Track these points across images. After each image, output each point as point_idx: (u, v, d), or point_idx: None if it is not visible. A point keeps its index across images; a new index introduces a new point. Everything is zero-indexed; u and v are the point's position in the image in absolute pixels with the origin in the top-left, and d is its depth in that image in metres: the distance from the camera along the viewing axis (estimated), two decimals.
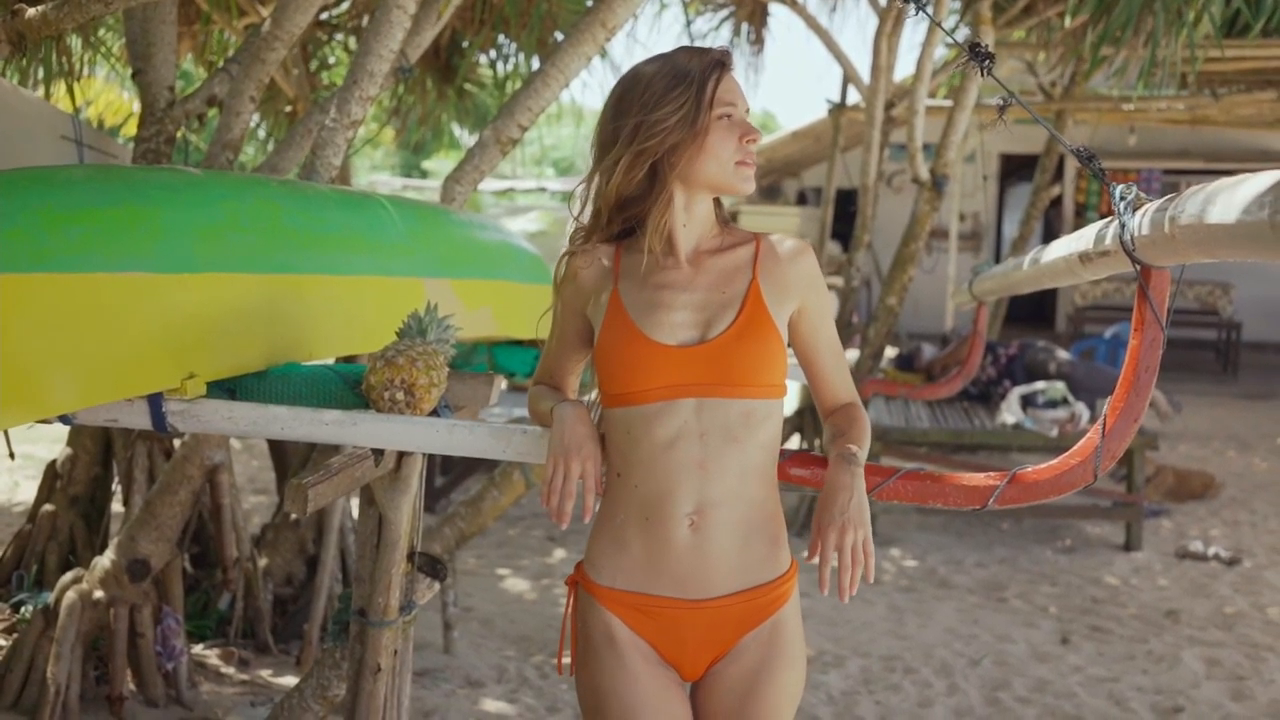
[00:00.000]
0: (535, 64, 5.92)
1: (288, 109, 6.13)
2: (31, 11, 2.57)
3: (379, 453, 2.05)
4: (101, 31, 5.01)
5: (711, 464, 1.67)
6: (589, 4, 4.02)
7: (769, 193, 14.71)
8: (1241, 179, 1.19)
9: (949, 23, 6.37)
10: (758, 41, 8.29)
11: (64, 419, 2.05)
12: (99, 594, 3.41)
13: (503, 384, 2.42)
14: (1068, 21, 6.06)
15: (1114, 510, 5.90)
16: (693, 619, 1.72)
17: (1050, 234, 12.96)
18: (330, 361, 2.50)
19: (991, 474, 1.79)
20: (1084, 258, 1.81)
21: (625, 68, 1.78)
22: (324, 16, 5.63)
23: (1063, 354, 6.64)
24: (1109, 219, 1.65)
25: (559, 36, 5.49)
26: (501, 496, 3.75)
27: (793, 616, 1.77)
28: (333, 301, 2.45)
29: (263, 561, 4.17)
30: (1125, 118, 9.12)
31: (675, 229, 1.74)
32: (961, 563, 5.57)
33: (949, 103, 6.70)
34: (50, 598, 3.48)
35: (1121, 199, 1.55)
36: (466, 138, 8.27)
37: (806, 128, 12.60)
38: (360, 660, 2.24)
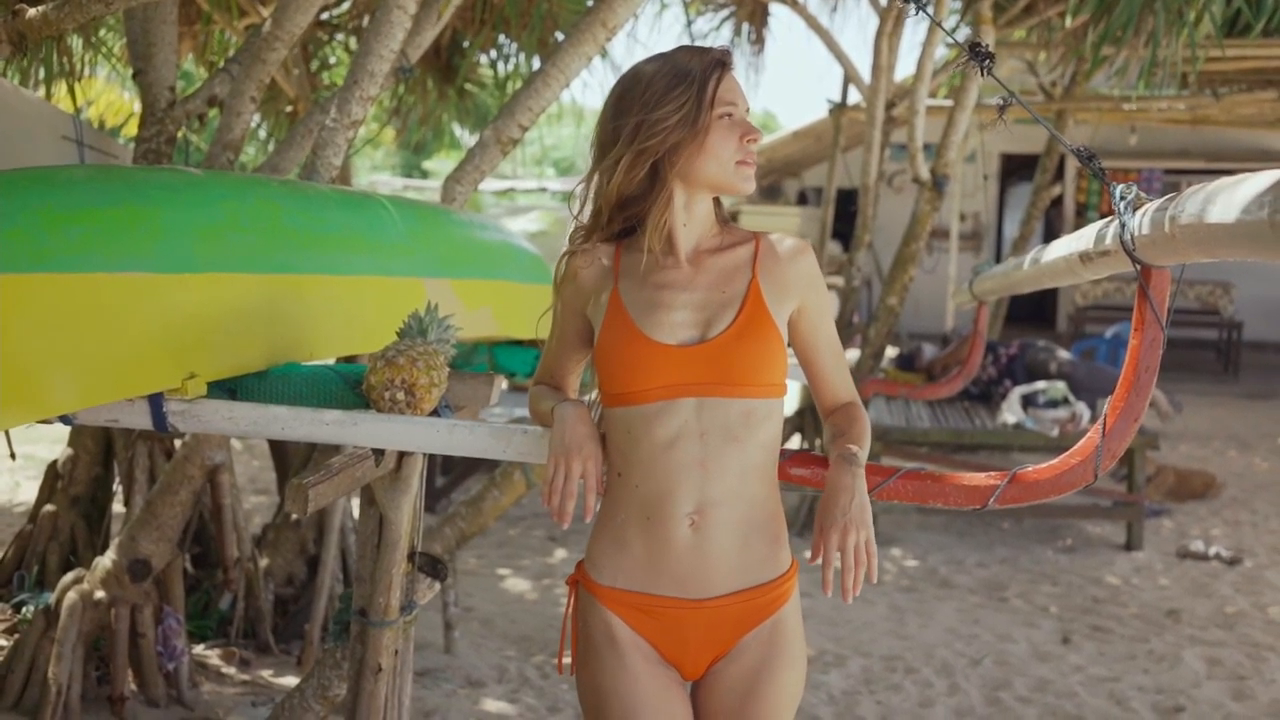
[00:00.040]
0: (536, 64, 5.92)
1: (288, 109, 6.13)
2: (32, 12, 2.57)
3: (379, 453, 2.05)
4: (102, 32, 5.02)
5: (712, 463, 1.67)
6: (589, 4, 4.02)
7: (770, 192, 14.71)
8: (1241, 178, 1.19)
9: (949, 22, 6.37)
10: (758, 41, 8.29)
11: (65, 419, 2.05)
12: (100, 594, 3.41)
13: (503, 384, 2.42)
14: (1068, 21, 6.06)
15: (1115, 510, 5.90)
16: (693, 618, 1.72)
17: (1051, 234, 12.95)
18: (331, 361, 2.50)
19: (992, 474, 1.79)
20: (1084, 257, 1.81)
21: (626, 68, 1.78)
22: (325, 16, 5.63)
23: (1063, 354, 6.64)
24: (1109, 219, 1.65)
25: (559, 36, 5.49)
26: (502, 496, 3.75)
27: (793, 616, 1.77)
28: (333, 301, 2.45)
29: (264, 561, 4.18)
30: (1126, 117, 9.12)
31: (675, 228, 1.74)
32: (962, 562, 5.57)
33: (949, 102, 6.70)
34: (51, 598, 3.48)
35: (1121, 199, 1.55)
36: (467, 138, 8.27)
37: (807, 127, 12.60)
38: (361, 660, 2.24)
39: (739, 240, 1.78)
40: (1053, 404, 5.99)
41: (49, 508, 4.17)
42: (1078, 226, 7.87)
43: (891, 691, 4.00)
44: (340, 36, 6.03)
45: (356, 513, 3.83)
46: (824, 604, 4.77)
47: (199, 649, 3.89)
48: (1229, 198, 1.20)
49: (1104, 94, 8.52)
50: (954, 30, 6.37)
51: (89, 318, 1.86)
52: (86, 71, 5.00)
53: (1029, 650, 4.41)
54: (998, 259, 13.13)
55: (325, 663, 2.71)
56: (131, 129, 6.13)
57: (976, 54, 1.72)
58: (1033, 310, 13.71)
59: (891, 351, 7.96)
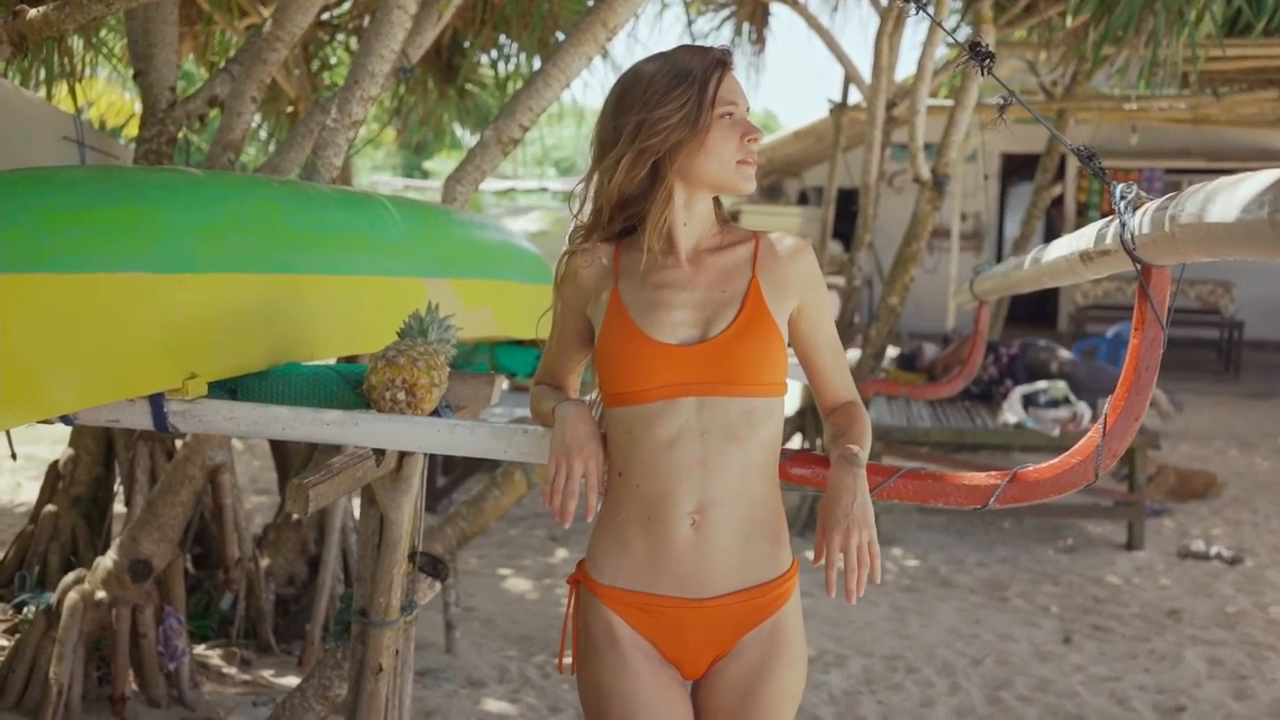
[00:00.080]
0: (536, 64, 5.92)
1: (289, 109, 6.13)
2: (33, 12, 2.58)
3: (380, 453, 2.05)
4: (103, 32, 5.02)
5: (713, 463, 1.67)
6: (590, 4, 4.02)
7: (771, 192, 14.72)
8: (1241, 178, 1.19)
9: (950, 22, 6.38)
10: (759, 41, 8.29)
11: (65, 419, 2.05)
12: (101, 594, 3.42)
13: (504, 384, 2.42)
14: (1069, 21, 6.05)
15: (1116, 510, 5.90)
16: (694, 618, 1.72)
17: (1052, 233, 12.95)
18: (332, 361, 2.50)
19: (992, 473, 1.79)
20: (1085, 257, 1.81)
21: (626, 67, 1.78)
22: (325, 17, 5.63)
23: (1064, 353, 6.64)
24: (1110, 218, 1.65)
25: (560, 36, 5.49)
26: (503, 496, 3.75)
27: (794, 615, 1.77)
28: (334, 301, 2.45)
29: (264, 561, 4.18)
30: (1127, 117, 9.12)
31: (675, 228, 1.74)
32: (963, 562, 5.57)
33: (950, 102, 6.70)
34: (52, 598, 3.49)
35: (1122, 198, 1.55)
36: (468, 138, 8.27)
37: (808, 127, 12.60)
38: (362, 660, 2.24)
39: (739, 239, 1.78)
40: (1054, 404, 5.99)
41: (50, 508, 4.17)
42: (1079, 226, 7.87)
43: (892, 691, 4.00)
44: (341, 37, 6.04)
45: (357, 513, 3.83)
46: (825, 604, 4.77)
47: (200, 649, 3.89)
48: (1229, 197, 1.20)
49: (1105, 93, 8.52)
50: (954, 30, 6.37)
51: (89, 318, 1.86)
52: (87, 72, 5.00)
53: (1030, 650, 4.41)
54: (998, 259, 13.12)
55: (326, 663, 2.71)
56: (132, 129, 6.13)
57: (977, 54, 1.72)
58: (1034, 310, 13.71)
59: (892, 351, 7.97)
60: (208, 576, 4.18)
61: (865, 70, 7.25)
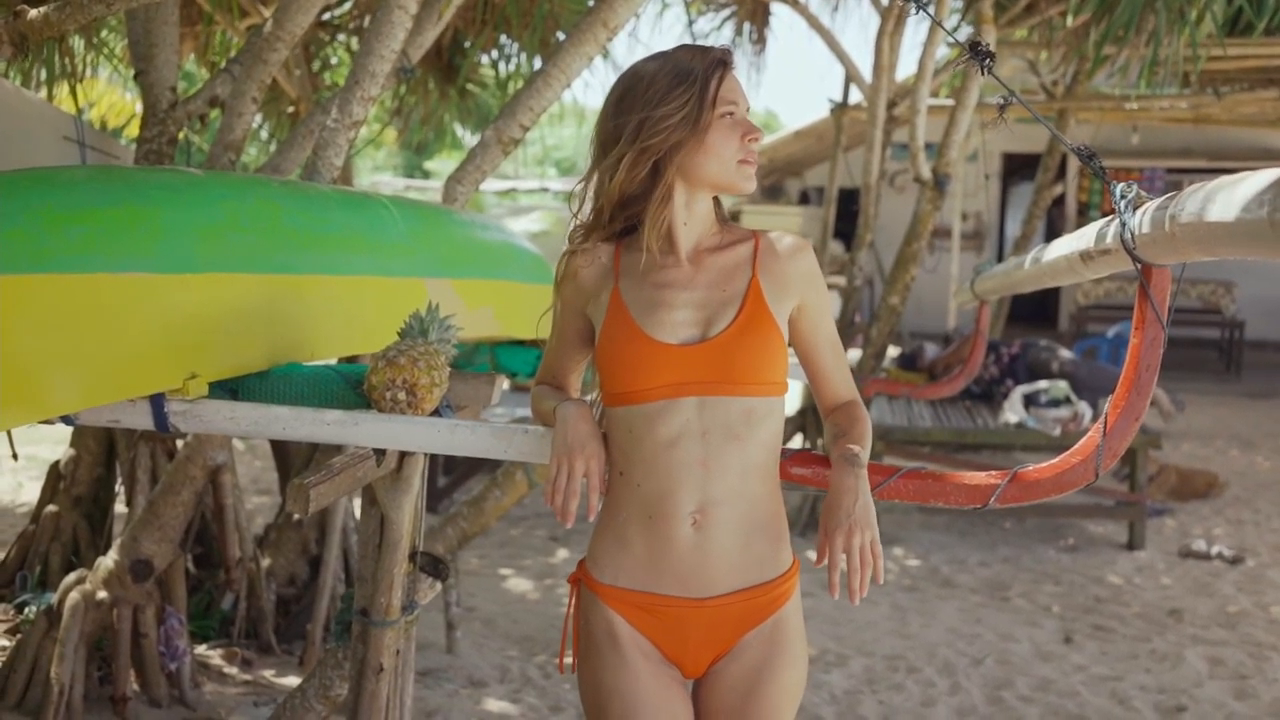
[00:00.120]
0: (537, 64, 5.92)
1: (290, 109, 6.14)
2: (34, 13, 2.58)
3: (381, 453, 2.05)
4: (104, 33, 5.02)
5: (713, 462, 1.67)
6: (591, 3, 4.02)
7: (771, 192, 14.72)
8: (1241, 177, 1.19)
9: (950, 22, 6.38)
10: (759, 41, 8.29)
11: (66, 420, 2.05)
12: (102, 594, 3.42)
13: (504, 384, 2.42)
14: (1070, 20, 6.05)
15: (1117, 509, 5.90)
16: (695, 617, 1.72)
17: (1053, 233, 12.94)
18: (332, 361, 2.51)
19: (993, 473, 1.79)
20: (1085, 256, 1.81)
21: (627, 67, 1.78)
22: (326, 17, 5.63)
23: (1065, 353, 6.64)
24: (1110, 217, 1.65)
25: (561, 36, 5.49)
26: (504, 496, 3.74)
27: (794, 615, 1.77)
28: (334, 301, 2.45)
29: (265, 561, 4.18)
30: (1128, 117, 9.11)
31: (675, 227, 1.74)
32: (964, 562, 5.56)
33: (951, 102, 6.70)
34: (54, 598, 3.49)
35: (1122, 197, 1.55)
36: (468, 138, 8.27)
37: (809, 127, 12.60)
38: (363, 660, 2.24)
39: (738, 239, 1.78)
40: (1054, 403, 5.99)
41: (51, 508, 4.17)
42: (1079, 226, 7.87)
43: (893, 691, 4.00)
44: (342, 37, 6.04)
45: (358, 513, 3.83)
46: (826, 603, 4.77)
47: (201, 649, 3.90)
48: (1229, 196, 1.20)
49: (1105, 93, 8.51)
50: (955, 30, 6.37)
51: (90, 318, 1.86)
52: (88, 72, 5.01)
53: (1031, 650, 4.41)
54: (999, 258, 13.12)
55: (327, 663, 2.71)
56: (133, 130, 6.14)
57: (977, 53, 1.73)
58: (1034, 309, 13.70)
59: (893, 351, 7.97)
60: (209, 576, 4.18)
61: (866, 70, 7.24)
